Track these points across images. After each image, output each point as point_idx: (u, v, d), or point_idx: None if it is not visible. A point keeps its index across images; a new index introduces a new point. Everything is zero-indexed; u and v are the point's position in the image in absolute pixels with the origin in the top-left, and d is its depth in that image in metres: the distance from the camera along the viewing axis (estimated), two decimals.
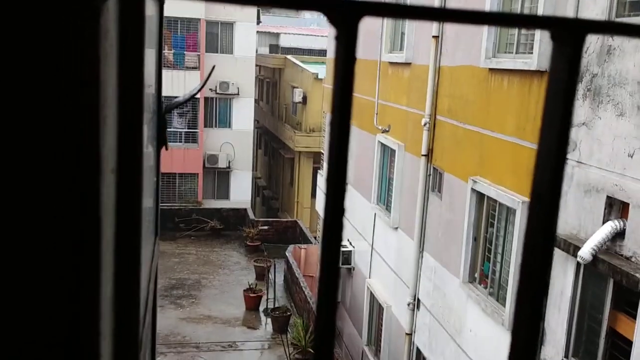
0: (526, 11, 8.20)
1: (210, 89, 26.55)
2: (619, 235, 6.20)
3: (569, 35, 0.42)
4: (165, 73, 25.03)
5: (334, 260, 0.43)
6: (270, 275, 19.02)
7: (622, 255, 6.16)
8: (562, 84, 0.43)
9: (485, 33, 8.81)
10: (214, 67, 3.49)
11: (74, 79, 0.45)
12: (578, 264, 6.69)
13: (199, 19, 25.85)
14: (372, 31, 13.74)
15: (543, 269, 0.47)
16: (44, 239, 0.47)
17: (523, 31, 8.29)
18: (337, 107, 0.44)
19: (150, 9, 1.21)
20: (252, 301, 18.25)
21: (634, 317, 6.04)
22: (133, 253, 0.72)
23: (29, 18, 0.44)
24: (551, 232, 0.48)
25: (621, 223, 6.19)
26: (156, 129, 1.39)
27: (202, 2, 0.41)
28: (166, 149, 1.53)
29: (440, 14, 0.41)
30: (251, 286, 18.53)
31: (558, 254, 7.09)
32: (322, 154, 18.15)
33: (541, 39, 7.50)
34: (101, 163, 0.49)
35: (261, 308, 18.27)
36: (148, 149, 1.26)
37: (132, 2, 0.67)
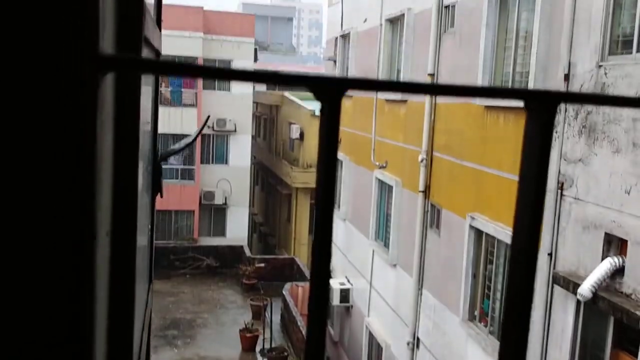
0: (520, 52, 8.33)
1: (207, 126, 26.71)
2: (619, 272, 6.17)
3: (541, 106, 0.43)
4: (163, 110, 25.20)
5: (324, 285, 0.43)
6: (266, 315, 18.80)
7: (622, 292, 6.12)
8: (535, 152, 0.43)
9: (480, 69, 8.93)
10: (208, 117, 3.53)
11: (70, 147, 0.46)
12: (578, 302, 6.63)
13: (197, 57, 26.18)
14: (369, 68, 13.93)
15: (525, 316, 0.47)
16: (37, 305, 0.48)
17: (518, 69, 8.41)
18: (322, 173, 0.45)
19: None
20: (249, 341, 17.99)
21: (636, 355, 5.97)
22: (126, 317, 0.72)
23: (31, 87, 0.45)
24: (530, 292, 0.48)
25: (620, 260, 6.17)
26: (151, 177, 1.40)
27: (197, 78, 0.42)
28: (161, 196, 1.53)
29: (416, 88, 0.42)
30: (247, 326, 18.30)
31: (558, 291, 7.05)
32: None
33: (536, 77, 7.60)
34: (96, 227, 0.49)
35: (258, 348, 18.00)
36: (143, 198, 1.26)
37: (127, 78, 0.68)
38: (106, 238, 0.60)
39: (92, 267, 0.48)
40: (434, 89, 0.43)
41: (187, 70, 0.40)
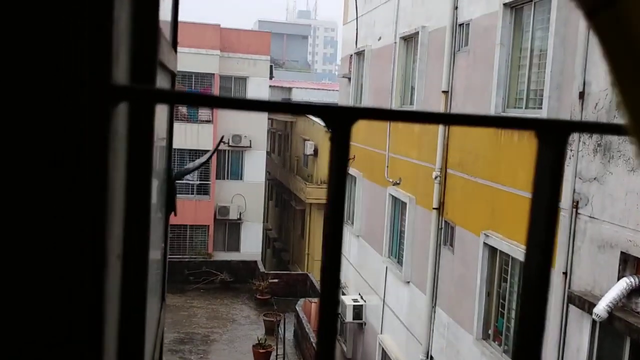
0: (534, 71, 8.31)
1: (223, 142, 26.87)
2: (635, 291, 6.09)
3: (552, 135, 0.44)
4: (179, 126, 25.43)
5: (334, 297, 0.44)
6: (280, 330, 18.73)
7: (638, 312, 6.03)
8: (547, 183, 0.44)
9: (494, 87, 8.92)
10: (222, 137, 3.56)
11: (82, 176, 0.47)
12: (594, 322, 6.55)
13: (213, 74, 26.40)
14: (383, 86, 13.97)
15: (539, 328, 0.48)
16: (45, 329, 0.49)
17: (532, 87, 8.39)
18: (331, 201, 0.46)
19: (162, 84, 1.26)
20: (262, 357, 17.92)
21: None
22: (137, 340, 0.73)
23: (42, 119, 0.46)
24: (542, 319, 0.49)
25: (636, 279, 6.08)
26: (166, 195, 1.42)
27: (209, 107, 0.43)
28: (175, 215, 1.55)
29: (427, 117, 0.43)
30: (260, 341, 18.23)
31: (573, 310, 6.96)
32: None
33: (550, 96, 7.58)
34: (107, 251, 0.51)
35: None
36: (156, 218, 1.28)
37: (142, 107, 0.70)
38: (117, 261, 0.61)
39: (102, 293, 0.49)
40: (445, 119, 0.44)
41: (198, 100, 0.41)
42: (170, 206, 1.48)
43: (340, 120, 0.42)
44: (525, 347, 0.48)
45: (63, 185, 0.47)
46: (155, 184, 1.07)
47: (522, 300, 0.49)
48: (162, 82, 1.10)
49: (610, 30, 0.39)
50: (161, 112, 1.15)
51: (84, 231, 0.48)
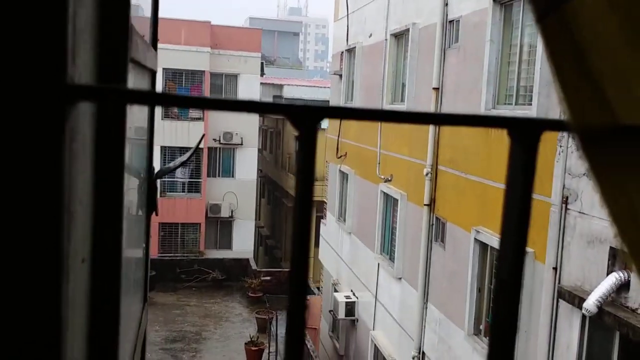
0: (524, 67, 8.33)
1: (214, 139, 26.81)
2: (624, 286, 6.12)
3: (524, 134, 0.43)
4: (170, 124, 25.35)
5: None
6: (272, 328, 18.73)
7: (627, 307, 6.07)
8: (519, 180, 0.43)
9: (484, 84, 8.94)
10: (203, 135, 3.54)
11: (35, 178, 0.46)
12: (583, 317, 6.58)
13: (204, 71, 26.32)
14: (374, 82, 13.97)
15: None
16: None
17: (522, 83, 8.42)
18: (298, 198, 0.45)
19: (140, 84, 1.24)
20: (254, 355, 17.92)
21: None
22: (110, 342, 0.71)
23: None
24: (514, 324, 0.48)
25: (626, 274, 6.12)
26: (146, 195, 1.40)
27: (173, 106, 0.42)
28: (156, 214, 1.53)
29: (396, 116, 0.42)
30: (253, 339, 18.24)
31: (563, 306, 6.99)
32: (325, 203, 18.17)
33: (540, 92, 7.60)
34: (65, 254, 0.49)
35: None
36: (137, 216, 1.26)
37: (108, 107, 0.69)
38: (82, 265, 0.60)
39: (59, 297, 0.48)
40: (415, 117, 0.43)
41: (162, 99, 0.40)
42: (151, 205, 1.46)
43: (306, 119, 0.41)
44: (500, 340, 0.47)
45: (14, 186, 0.46)
46: (133, 184, 1.05)
47: (495, 297, 0.48)
48: (138, 80, 1.09)
49: (555, 34, 0.42)
50: (139, 111, 1.13)
51: (38, 234, 0.47)
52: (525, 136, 0.43)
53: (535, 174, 0.44)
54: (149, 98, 0.40)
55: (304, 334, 0.46)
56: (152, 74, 1.39)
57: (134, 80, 0.95)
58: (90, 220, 0.63)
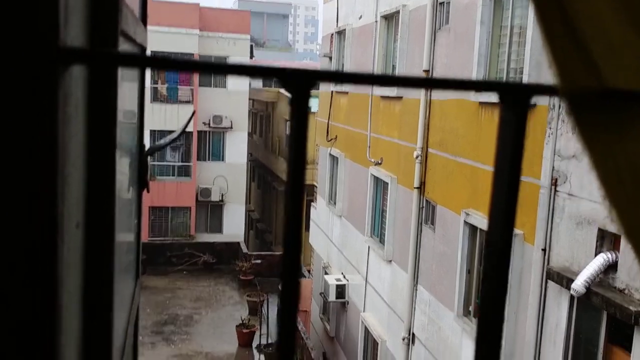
0: (514, 49, 8.33)
1: (203, 123, 26.69)
2: (612, 267, 6.20)
3: (514, 98, 0.43)
4: (159, 107, 25.18)
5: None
6: (263, 310, 18.83)
7: (615, 287, 6.15)
8: (509, 144, 0.44)
9: (475, 65, 8.93)
10: (194, 112, 3.53)
11: (29, 140, 0.46)
12: (572, 297, 6.66)
13: (193, 54, 26.11)
14: (364, 64, 13.92)
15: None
16: None
17: (512, 65, 8.42)
18: (292, 161, 0.45)
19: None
20: (245, 337, 18.02)
21: (629, 350, 6.00)
22: (104, 312, 0.72)
23: None
24: (504, 285, 0.49)
25: (613, 255, 6.19)
26: (137, 172, 1.40)
27: (161, 69, 0.42)
28: (147, 191, 1.53)
29: (385, 80, 0.42)
30: (244, 321, 18.32)
31: (552, 286, 7.07)
32: (315, 186, 18.18)
33: (530, 73, 7.61)
34: (60, 222, 0.49)
35: (254, 344, 18.03)
36: (129, 192, 1.26)
37: (101, 71, 0.68)
38: (76, 230, 0.60)
39: (55, 259, 0.48)
40: (408, 82, 0.43)
41: (152, 62, 0.40)
42: (142, 183, 1.46)
43: (299, 82, 0.41)
44: (489, 316, 0.48)
45: (9, 147, 0.46)
46: (125, 160, 1.05)
47: (485, 268, 0.49)
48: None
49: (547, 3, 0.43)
50: (130, 89, 1.13)
51: (33, 195, 0.47)
52: (516, 100, 0.44)
53: (525, 137, 0.44)
54: (139, 61, 0.40)
55: (297, 313, 0.47)
56: (142, 50, 1.39)
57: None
58: (83, 186, 0.63)
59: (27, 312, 0.48)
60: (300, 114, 0.42)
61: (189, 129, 25.84)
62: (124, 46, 0.92)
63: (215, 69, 0.42)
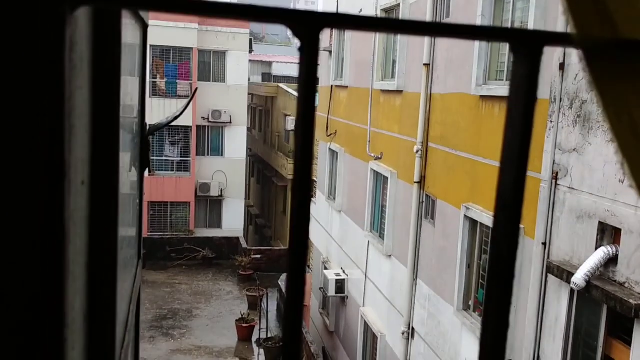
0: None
1: (202, 118, 26.65)
2: (612, 261, 6.19)
3: (527, 47, 0.42)
4: (158, 101, 25.15)
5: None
6: (263, 305, 18.84)
7: (615, 281, 6.14)
8: (522, 95, 0.43)
9: (475, 60, 8.91)
10: (196, 90, 3.53)
11: (34, 88, 0.45)
12: (572, 291, 6.66)
13: (192, 48, 26.06)
14: (364, 59, 13.90)
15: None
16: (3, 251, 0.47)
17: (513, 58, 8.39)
18: (301, 114, 0.44)
19: (133, 35, 1.22)
20: (245, 331, 18.04)
21: (629, 343, 6.00)
22: (108, 263, 0.71)
23: None
24: (515, 239, 0.48)
25: (614, 249, 6.18)
26: (139, 151, 1.39)
27: (166, 11, 0.41)
28: (149, 172, 1.52)
29: (397, 25, 0.41)
30: (243, 316, 18.34)
31: (552, 280, 7.07)
32: (315, 181, 18.17)
33: None
34: (67, 172, 0.48)
35: (254, 338, 18.05)
36: (131, 171, 1.25)
37: (106, 15, 0.67)
38: (82, 187, 0.59)
39: (62, 211, 0.47)
40: (416, 27, 0.42)
41: (158, 3, 0.39)
42: (144, 161, 1.45)
43: (308, 26, 0.40)
44: (494, 311, 0.47)
45: (16, 91, 0.45)
46: (129, 138, 1.04)
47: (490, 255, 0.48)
48: (132, 30, 1.07)
49: None
50: (131, 73, 1.11)
51: (39, 145, 0.46)
52: (528, 48, 0.43)
53: (537, 87, 0.43)
54: (146, 2, 0.39)
55: (302, 306, 0.46)
56: (144, 28, 1.37)
57: (129, 29, 0.93)
58: (89, 142, 0.62)
59: (34, 263, 0.47)
60: (309, 61, 0.40)
61: (187, 124, 25.82)
62: (129, 22, 0.90)
63: (221, 12, 0.40)
